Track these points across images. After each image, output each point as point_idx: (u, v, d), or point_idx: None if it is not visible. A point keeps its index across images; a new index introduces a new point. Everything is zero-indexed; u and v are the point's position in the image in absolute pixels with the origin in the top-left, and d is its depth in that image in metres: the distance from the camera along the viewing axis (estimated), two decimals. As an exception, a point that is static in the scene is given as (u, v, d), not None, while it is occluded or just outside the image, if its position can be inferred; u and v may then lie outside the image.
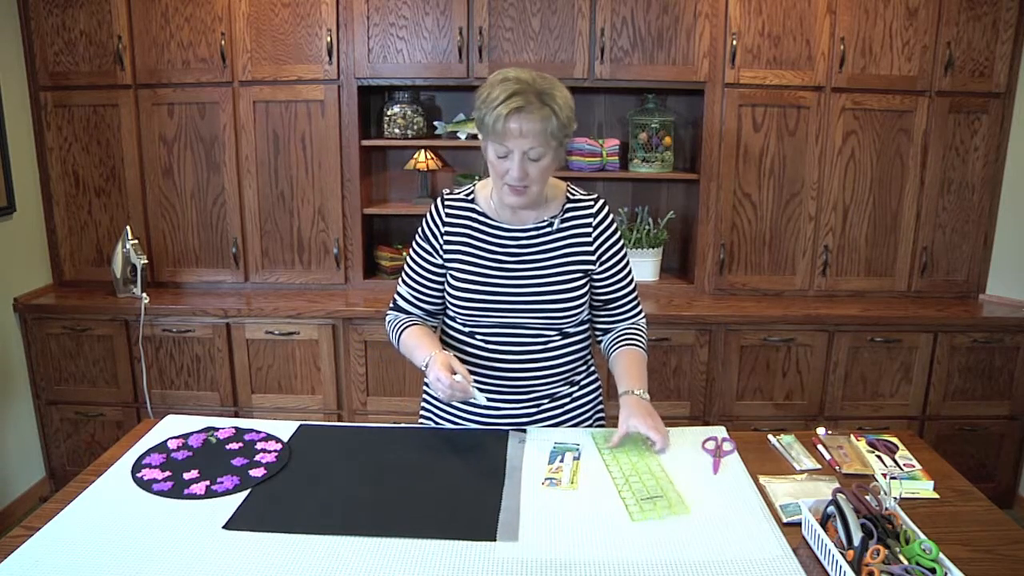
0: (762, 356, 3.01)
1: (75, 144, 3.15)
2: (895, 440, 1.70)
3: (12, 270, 3.04)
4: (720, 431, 1.72)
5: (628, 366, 1.71)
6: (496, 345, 1.71)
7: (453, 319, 1.77)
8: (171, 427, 1.73)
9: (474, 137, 3.15)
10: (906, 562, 1.17)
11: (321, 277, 3.23)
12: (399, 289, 1.81)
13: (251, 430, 1.71)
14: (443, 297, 1.76)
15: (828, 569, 1.22)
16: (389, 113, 3.17)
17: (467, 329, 1.74)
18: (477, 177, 3.22)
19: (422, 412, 1.89)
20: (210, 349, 3.04)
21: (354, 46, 3.00)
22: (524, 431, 1.73)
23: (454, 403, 1.78)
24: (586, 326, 1.81)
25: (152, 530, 1.31)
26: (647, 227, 3.24)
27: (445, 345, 1.81)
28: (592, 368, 1.86)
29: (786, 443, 1.69)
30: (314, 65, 3.02)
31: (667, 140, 3.19)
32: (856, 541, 1.18)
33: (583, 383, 1.82)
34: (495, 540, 1.30)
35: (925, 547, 1.17)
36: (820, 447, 1.68)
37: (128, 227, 3.10)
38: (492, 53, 2.99)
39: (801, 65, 3.00)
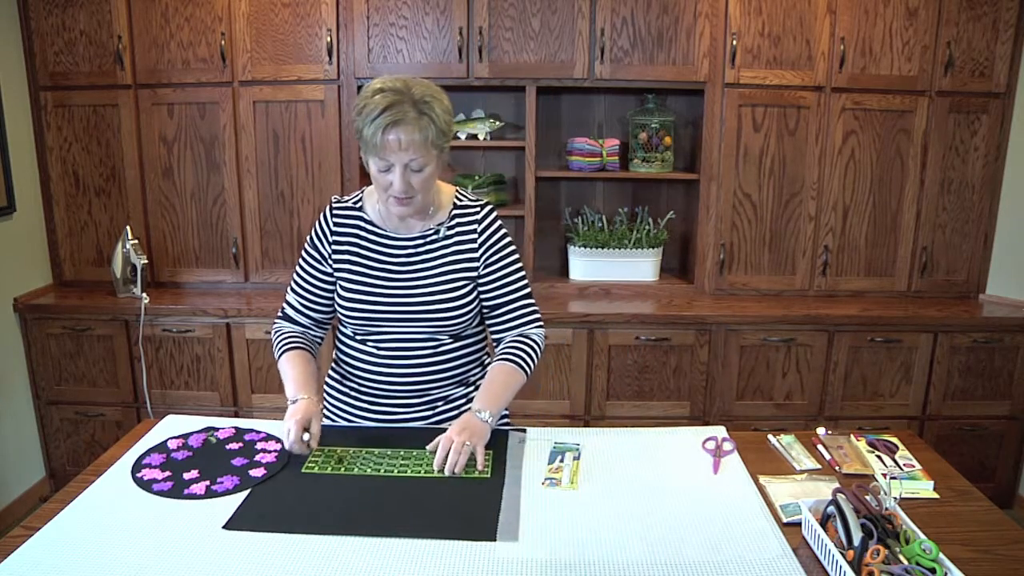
0: (762, 356, 3.01)
1: (75, 144, 3.15)
2: (895, 440, 1.70)
3: (12, 270, 3.04)
4: (720, 431, 1.72)
5: (488, 383, 1.66)
6: (388, 351, 1.70)
7: (344, 326, 1.76)
8: (171, 427, 1.74)
9: (474, 137, 3.15)
10: (906, 562, 1.17)
11: (321, 277, 3.22)
12: (288, 298, 1.78)
13: (251, 430, 1.71)
14: (332, 306, 1.75)
15: (828, 569, 1.22)
16: (389, 113, 3.17)
17: (359, 337, 1.73)
18: (477, 176, 3.22)
19: (326, 409, 1.87)
20: (210, 349, 3.04)
21: (354, 46, 3.00)
22: (524, 431, 1.73)
23: (352, 406, 1.79)
24: (481, 328, 1.79)
25: (152, 530, 1.31)
26: (647, 227, 3.24)
27: (338, 351, 1.81)
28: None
29: (786, 443, 1.69)
30: (314, 65, 3.02)
31: (667, 140, 3.19)
32: (856, 541, 1.18)
33: (480, 383, 1.76)
34: (495, 540, 1.30)
35: (925, 547, 1.17)
36: (820, 447, 1.68)
37: (128, 227, 3.10)
38: (492, 53, 2.99)
39: (801, 65, 3.00)
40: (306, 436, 1.55)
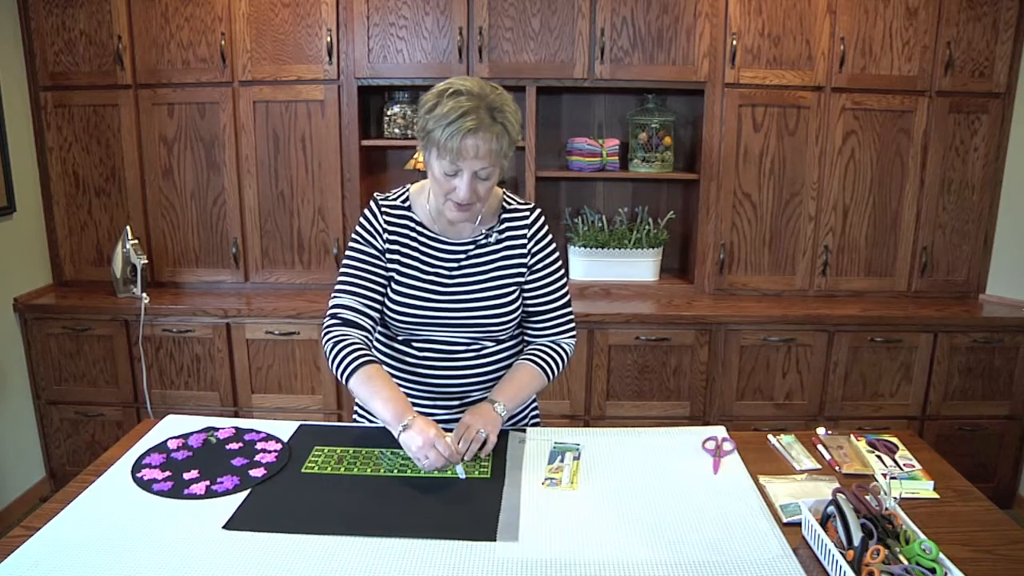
0: (762, 356, 3.01)
1: (75, 144, 3.15)
2: (895, 440, 1.70)
3: (12, 270, 3.04)
4: (720, 431, 1.72)
5: (508, 378, 1.68)
6: (430, 353, 1.68)
7: (387, 327, 1.73)
8: (171, 427, 1.73)
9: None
10: (906, 562, 1.17)
11: (321, 277, 3.23)
12: (342, 300, 1.64)
13: (251, 430, 1.71)
14: (384, 305, 1.69)
15: (828, 569, 1.22)
16: (389, 113, 3.17)
17: (402, 337, 1.71)
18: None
19: (357, 411, 1.85)
20: (210, 349, 3.04)
21: (354, 46, 3.00)
22: (524, 431, 1.73)
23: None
24: (519, 331, 1.79)
25: (152, 530, 1.31)
26: (647, 227, 3.24)
27: (376, 350, 1.76)
28: None
29: (786, 443, 1.69)
30: (314, 65, 3.02)
31: (667, 140, 3.19)
32: (856, 541, 1.18)
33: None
34: (495, 540, 1.30)
35: (925, 547, 1.17)
36: (820, 447, 1.68)
37: (128, 227, 3.10)
38: (492, 53, 2.99)
39: (801, 65, 3.00)
40: (442, 448, 1.45)
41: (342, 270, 1.68)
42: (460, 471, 1.50)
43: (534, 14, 2.96)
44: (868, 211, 3.14)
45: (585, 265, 3.26)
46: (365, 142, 3.14)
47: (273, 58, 3.02)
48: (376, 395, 1.52)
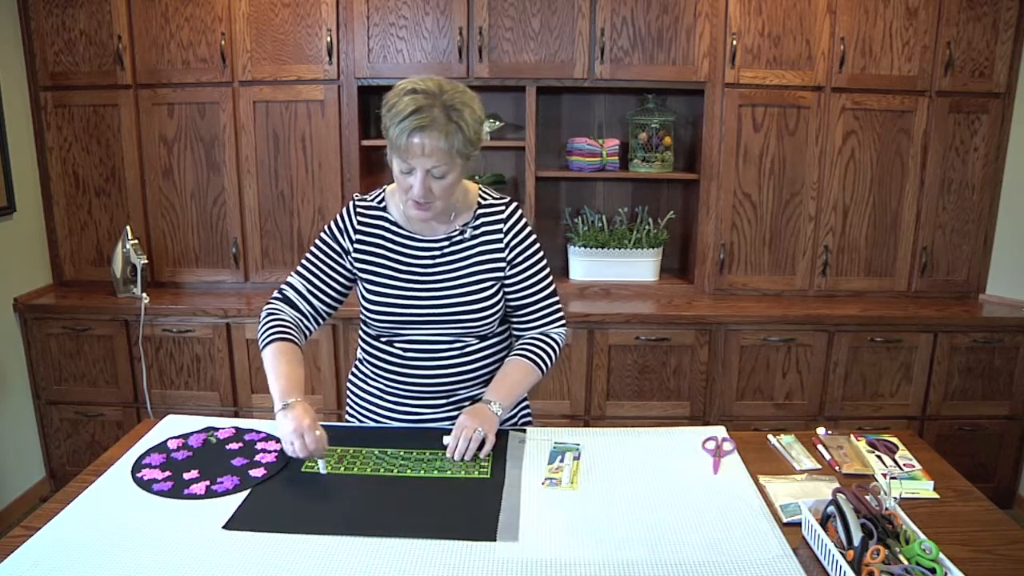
0: (762, 356, 3.01)
1: (75, 144, 3.15)
2: (895, 440, 1.70)
3: (12, 270, 3.04)
4: (720, 431, 1.72)
5: (501, 376, 1.68)
6: (415, 353, 1.69)
7: (368, 327, 1.73)
8: (171, 427, 1.74)
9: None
10: (906, 562, 1.17)
11: (321, 277, 3.22)
12: (291, 280, 1.70)
13: (251, 430, 1.71)
14: (337, 300, 1.72)
15: (828, 569, 1.22)
16: (389, 113, 3.17)
17: (384, 338, 1.71)
18: (477, 176, 3.22)
19: (348, 412, 1.85)
20: (210, 349, 3.04)
21: (354, 46, 3.00)
22: (524, 431, 1.73)
23: (377, 406, 1.76)
24: (506, 327, 1.79)
25: (152, 530, 1.31)
26: (647, 227, 3.24)
27: (363, 352, 1.77)
28: None
29: (786, 443, 1.69)
30: (314, 65, 3.02)
31: (667, 140, 3.19)
32: (856, 541, 1.18)
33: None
34: (495, 540, 1.30)
35: (925, 547, 1.17)
36: (820, 447, 1.68)
37: (128, 227, 3.10)
38: (492, 53, 2.99)
39: (801, 65, 3.00)
40: (309, 441, 1.49)
41: (303, 257, 1.73)
42: (322, 466, 1.52)
43: (534, 14, 2.96)
44: (868, 211, 3.14)
45: (585, 265, 3.26)
46: (365, 142, 3.14)
47: (273, 58, 3.02)
48: (275, 370, 1.57)
